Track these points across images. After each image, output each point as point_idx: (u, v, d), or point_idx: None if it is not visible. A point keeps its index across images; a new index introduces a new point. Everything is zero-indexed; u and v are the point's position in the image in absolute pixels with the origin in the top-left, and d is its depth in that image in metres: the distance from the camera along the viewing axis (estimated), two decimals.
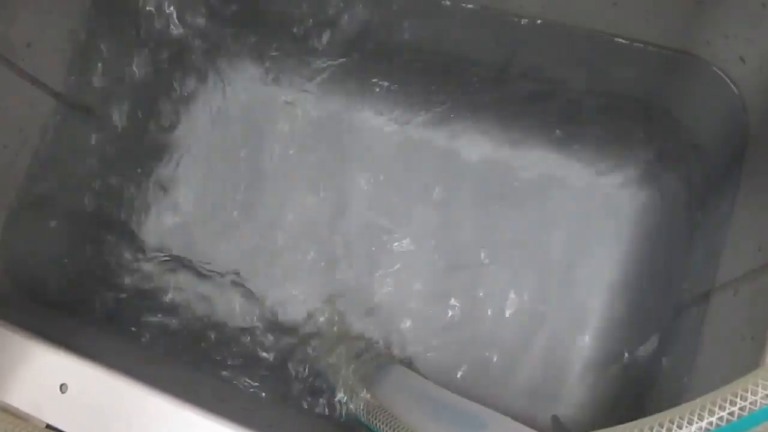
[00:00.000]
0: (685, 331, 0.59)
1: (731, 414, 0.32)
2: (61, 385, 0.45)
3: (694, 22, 0.57)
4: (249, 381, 0.65)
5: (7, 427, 0.43)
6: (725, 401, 0.33)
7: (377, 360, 0.61)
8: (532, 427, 0.61)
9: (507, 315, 0.66)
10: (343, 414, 0.62)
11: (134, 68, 0.76)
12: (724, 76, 0.58)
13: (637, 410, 0.61)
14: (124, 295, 0.72)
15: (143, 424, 0.43)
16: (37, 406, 0.45)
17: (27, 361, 0.46)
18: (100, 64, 0.71)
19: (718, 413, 0.33)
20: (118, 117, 0.74)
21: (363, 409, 0.54)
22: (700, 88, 0.61)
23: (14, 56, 0.62)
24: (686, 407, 0.34)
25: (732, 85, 0.57)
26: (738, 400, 0.32)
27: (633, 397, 0.62)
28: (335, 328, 0.67)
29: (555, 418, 0.61)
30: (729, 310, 0.51)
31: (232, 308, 0.70)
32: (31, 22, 0.63)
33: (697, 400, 0.33)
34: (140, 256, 0.73)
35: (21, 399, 0.45)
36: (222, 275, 0.71)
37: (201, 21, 0.76)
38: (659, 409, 0.58)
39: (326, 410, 0.64)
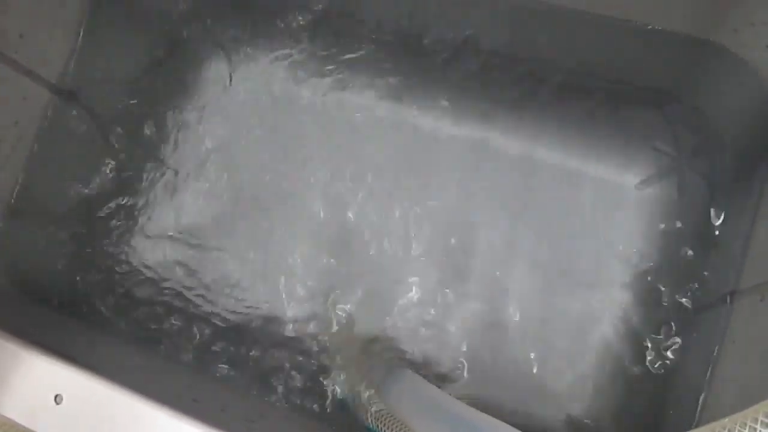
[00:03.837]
0: (706, 333, 0.57)
1: None
2: (56, 396, 0.43)
3: (719, 9, 0.55)
4: (250, 387, 0.64)
5: None
6: (755, 422, 0.31)
7: (387, 364, 0.60)
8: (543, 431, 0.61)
9: (521, 312, 0.64)
10: (351, 419, 0.61)
11: (134, 58, 0.74)
12: (750, 66, 0.55)
13: (654, 413, 0.60)
14: (122, 295, 0.71)
15: None
16: (31, 416, 0.43)
17: (21, 370, 0.44)
18: (97, 55, 0.70)
19: None
20: (116, 109, 0.73)
21: (371, 415, 0.53)
22: (725, 78, 0.59)
23: (7, 48, 0.60)
24: (712, 427, 0.32)
25: (758, 76, 0.55)
26: None
27: (650, 399, 0.60)
28: (344, 332, 0.65)
29: (569, 419, 0.60)
30: (755, 315, 0.49)
31: (234, 311, 0.69)
32: (24, 13, 0.61)
33: (725, 420, 0.32)
34: (142, 255, 0.72)
35: (14, 409, 0.43)
36: (225, 277, 0.70)
37: (204, 7, 0.74)
38: (677, 413, 0.57)
39: (332, 418, 0.63)
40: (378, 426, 0.50)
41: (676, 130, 0.64)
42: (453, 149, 0.68)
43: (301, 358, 0.66)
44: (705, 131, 0.62)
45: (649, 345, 0.61)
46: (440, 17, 0.69)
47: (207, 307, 0.69)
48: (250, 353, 0.66)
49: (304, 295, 0.68)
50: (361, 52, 0.71)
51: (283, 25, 0.73)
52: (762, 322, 0.48)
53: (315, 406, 0.63)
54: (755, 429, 0.31)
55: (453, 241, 0.67)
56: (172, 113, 0.74)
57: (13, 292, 0.65)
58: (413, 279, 0.67)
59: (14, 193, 0.66)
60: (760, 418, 0.31)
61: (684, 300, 0.61)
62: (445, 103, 0.69)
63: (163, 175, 0.73)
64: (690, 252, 0.61)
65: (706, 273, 0.60)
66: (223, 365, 0.66)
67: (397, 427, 0.48)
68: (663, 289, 0.62)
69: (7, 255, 0.65)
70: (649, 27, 0.60)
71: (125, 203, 0.73)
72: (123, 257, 0.72)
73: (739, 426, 0.31)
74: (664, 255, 0.62)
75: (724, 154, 0.61)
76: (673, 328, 0.61)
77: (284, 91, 0.73)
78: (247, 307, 0.69)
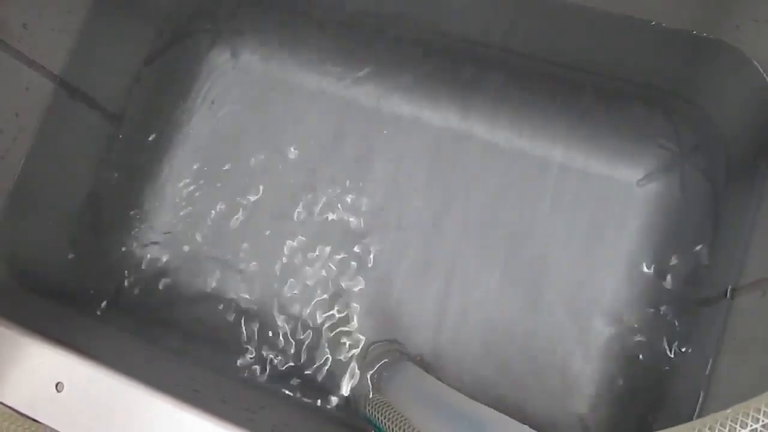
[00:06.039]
0: (706, 329, 0.57)
1: (765, 426, 0.31)
2: (57, 384, 0.43)
3: (722, 6, 0.55)
4: (252, 380, 0.64)
5: (9, 426, 0.42)
6: (758, 412, 0.31)
7: (386, 356, 0.60)
8: (543, 426, 0.60)
9: (519, 309, 0.64)
10: (351, 410, 0.61)
11: (138, 49, 0.74)
12: (753, 64, 0.55)
13: (654, 407, 0.60)
14: (124, 287, 0.70)
15: (141, 425, 0.42)
16: (32, 405, 0.43)
17: (21, 358, 0.44)
18: (101, 46, 0.69)
19: (751, 425, 0.31)
20: (119, 100, 0.73)
21: (370, 407, 0.53)
22: (727, 76, 0.59)
23: (9, 37, 0.60)
24: (715, 417, 0.32)
25: (763, 73, 0.55)
26: None
27: (650, 394, 0.60)
28: (344, 326, 0.65)
29: (567, 414, 0.60)
30: (756, 310, 0.49)
31: (237, 303, 0.68)
32: (28, 2, 0.60)
33: (728, 411, 0.32)
34: (142, 247, 0.72)
35: (14, 398, 0.43)
36: (227, 268, 0.70)
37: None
38: (677, 408, 0.57)
39: (332, 409, 0.62)
40: (376, 416, 0.50)
41: (677, 127, 0.64)
42: (455, 145, 0.69)
43: (301, 350, 0.66)
44: (707, 128, 0.62)
45: (649, 340, 0.61)
46: (444, 11, 0.69)
47: (207, 299, 0.69)
48: (251, 345, 0.66)
49: (303, 287, 0.68)
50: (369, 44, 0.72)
51: (289, 14, 0.73)
52: (763, 317, 0.48)
53: (315, 397, 0.64)
54: (758, 419, 0.31)
55: (450, 236, 0.67)
56: (176, 103, 0.74)
57: (13, 283, 0.65)
58: (414, 276, 0.67)
59: (15, 185, 0.66)
60: (763, 408, 0.31)
61: (684, 296, 0.61)
62: (448, 99, 0.69)
63: (166, 166, 0.73)
64: (690, 248, 0.61)
65: (706, 269, 0.60)
66: (223, 356, 0.66)
67: (395, 417, 0.48)
68: (663, 284, 0.62)
69: (7, 246, 0.65)
70: (652, 23, 0.60)
71: (127, 195, 0.73)
72: (124, 249, 0.72)
73: (742, 416, 0.31)
74: (665, 250, 0.62)
75: (725, 150, 0.61)
76: (674, 323, 0.61)
77: (288, 81, 0.73)
78: (248, 299, 0.68)
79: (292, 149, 0.71)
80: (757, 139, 0.56)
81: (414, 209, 0.68)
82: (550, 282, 0.64)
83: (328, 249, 0.68)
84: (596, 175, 0.65)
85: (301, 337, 0.66)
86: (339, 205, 0.69)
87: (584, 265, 0.64)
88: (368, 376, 0.58)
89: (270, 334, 0.67)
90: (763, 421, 0.31)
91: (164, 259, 0.71)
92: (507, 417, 0.45)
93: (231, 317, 0.68)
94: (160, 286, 0.70)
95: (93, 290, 0.70)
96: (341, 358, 0.64)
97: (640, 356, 0.61)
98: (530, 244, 0.65)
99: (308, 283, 0.68)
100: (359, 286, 0.67)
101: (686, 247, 0.62)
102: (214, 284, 0.69)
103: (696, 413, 0.53)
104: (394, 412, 0.49)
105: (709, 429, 0.32)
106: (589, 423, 0.60)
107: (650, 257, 0.63)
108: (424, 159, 0.69)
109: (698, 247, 0.61)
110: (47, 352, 0.44)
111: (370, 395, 0.54)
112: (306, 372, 0.65)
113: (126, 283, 0.70)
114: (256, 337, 0.67)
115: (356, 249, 0.68)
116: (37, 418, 0.43)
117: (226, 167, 0.72)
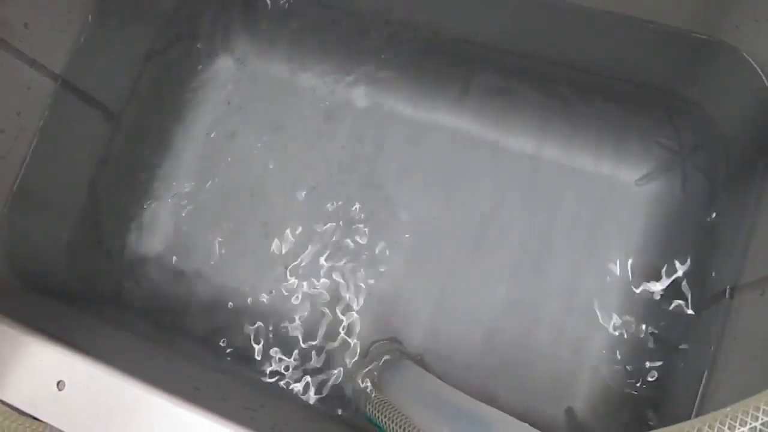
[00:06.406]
0: (706, 328, 0.57)
1: (765, 425, 0.31)
2: (58, 382, 0.43)
3: (722, 5, 0.55)
4: (252, 378, 0.64)
5: (11, 425, 0.42)
6: (757, 410, 0.31)
7: (387, 356, 0.60)
8: (543, 424, 0.60)
9: (519, 308, 0.64)
10: (351, 410, 0.61)
11: (139, 50, 0.74)
12: (753, 64, 0.55)
13: (654, 407, 0.60)
14: (124, 286, 0.71)
15: (142, 423, 0.42)
16: (33, 403, 0.43)
17: (22, 357, 0.44)
18: (102, 46, 0.70)
19: (750, 423, 0.31)
20: (120, 101, 0.73)
21: (371, 406, 0.53)
22: (727, 76, 0.59)
23: (11, 37, 0.60)
24: (715, 416, 0.32)
25: (762, 74, 0.55)
26: None
27: (649, 393, 0.61)
28: (345, 326, 0.65)
29: (569, 411, 0.60)
30: (755, 310, 0.49)
31: (237, 302, 0.68)
32: (29, 1, 0.61)
33: (727, 409, 0.32)
34: (143, 245, 0.72)
35: (16, 396, 0.43)
36: (227, 268, 0.70)
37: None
38: (676, 407, 0.57)
39: (332, 408, 0.63)
40: (377, 416, 0.50)
41: (677, 127, 0.64)
42: (455, 145, 0.69)
43: (302, 349, 0.66)
44: (707, 128, 0.63)
45: (650, 339, 0.61)
46: (443, 11, 0.69)
47: (207, 297, 0.69)
48: (252, 343, 0.67)
49: (304, 287, 0.68)
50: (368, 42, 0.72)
51: (289, 14, 0.74)
52: (763, 316, 0.48)
53: (315, 396, 0.64)
54: (758, 418, 0.31)
55: (452, 236, 0.67)
56: (176, 103, 0.74)
57: (14, 282, 0.65)
58: (415, 276, 0.67)
59: (16, 184, 0.66)
60: (762, 406, 0.31)
61: (684, 295, 0.61)
62: (446, 99, 0.70)
63: (166, 166, 0.73)
64: (689, 247, 0.62)
65: (706, 268, 0.60)
66: (224, 354, 0.66)
67: (395, 416, 0.49)
68: (663, 283, 0.62)
69: (8, 245, 0.65)
70: (652, 24, 0.60)
71: (127, 195, 0.73)
72: (124, 248, 0.72)
73: (742, 414, 0.32)
74: (665, 250, 0.62)
75: (725, 150, 0.61)
76: (673, 323, 0.61)
77: (288, 81, 0.73)
78: (249, 298, 0.69)
79: (293, 149, 0.71)
80: (757, 139, 0.56)
81: (415, 209, 0.68)
82: (549, 281, 0.64)
83: (330, 249, 0.68)
84: (596, 174, 0.65)
85: (302, 336, 0.66)
86: (340, 205, 0.69)
87: (583, 264, 0.64)
88: (369, 376, 0.58)
89: (271, 333, 0.67)
90: (762, 419, 0.31)
91: (164, 258, 0.71)
92: (508, 415, 0.45)
93: (231, 316, 0.68)
94: (160, 285, 0.70)
95: (93, 289, 0.70)
96: (342, 357, 0.64)
97: (640, 355, 0.61)
98: (529, 244, 0.65)
99: (310, 282, 0.68)
100: (361, 286, 0.67)
101: (686, 247, 0.62)
102: (214, 284, 0.69)
103: (696, 413, 0.53)
104: (395, 411, 0.49)
105: (709, 427, 0.32)
106: (588, 422, 0.61)
107: (650, 256, 0.63)
108: (423, 159, 0.69)
109: (698, 247, 0.61)
110: (48, 350, 0.44)
111: (371, 395, 0.54)
112: (307, 371, 0.65)
113: (126, 282, 0.71)
114: (256, 336, 0.67)
115: (358, 249, 0.68)
116: (38, 417, 0.43)
117: (227, 167, 0.72)
